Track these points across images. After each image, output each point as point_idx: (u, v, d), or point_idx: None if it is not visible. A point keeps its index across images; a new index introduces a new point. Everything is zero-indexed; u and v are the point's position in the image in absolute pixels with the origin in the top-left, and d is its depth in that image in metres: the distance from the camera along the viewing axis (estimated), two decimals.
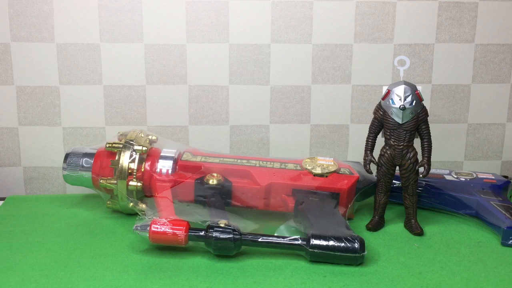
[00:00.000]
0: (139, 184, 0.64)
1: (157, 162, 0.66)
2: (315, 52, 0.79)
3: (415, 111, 0.62)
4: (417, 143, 0.65)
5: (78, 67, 0.78)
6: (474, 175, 0.73)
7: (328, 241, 0.55)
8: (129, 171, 0.64)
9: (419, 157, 0.65)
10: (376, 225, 0.66)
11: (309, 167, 0.67)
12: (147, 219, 0.58)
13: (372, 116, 0.65)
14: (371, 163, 0.65)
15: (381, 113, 0.63)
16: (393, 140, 0.63)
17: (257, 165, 0.68)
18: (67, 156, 0.68)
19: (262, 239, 0.56)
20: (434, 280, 0.53)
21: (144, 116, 0.80)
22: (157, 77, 0.79)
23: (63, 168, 0.68)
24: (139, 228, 0.57)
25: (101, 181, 0.65)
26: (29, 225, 0.65)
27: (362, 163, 0.68)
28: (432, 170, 0.75)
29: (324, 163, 0.68)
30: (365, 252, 0.55)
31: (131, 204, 0.65)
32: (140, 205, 0.64)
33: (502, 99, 0.83)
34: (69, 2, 0.76)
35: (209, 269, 0.54)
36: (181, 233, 0.56)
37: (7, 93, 0.78)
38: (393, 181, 0.68)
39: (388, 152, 0.63)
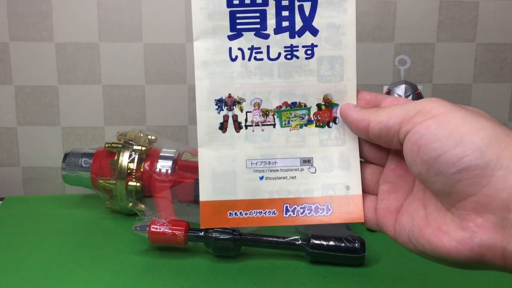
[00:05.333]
0: (138, 184, 0.64)
1: (157, 162, 0.66)
2: None
3: None
4: None
5: (77, 67, 0.78)
6: None
7: (329, 241, 0.55)
8: (128, 171, 0.64)
9: None
10: None
11: None
12: (147, 220, 0.58)
13: None
14: None
15: None
16: None
17: None
18: (66, 156, 0.68)
19: (262, 239, 0.56)
20: (434, 280, 0.52)
21: (143, 116, 0.80)
22: (156, 76, 0.79)
23: (62, 168, 0.68)
24: (138, 228, 0.57)
25: (100, 181, 0.65)
26: (27, 226, 0.65)
27: None
28: None
29: None
30: (366, 253, 0.55)
31: (130, 204, 0.64)
32: (140, 205, 0.64)
33: (503, 99, 0.82)
34: (68, 1, 0.76)
35: (209, 270, 0.54)
36: (180, 233, 0.55)
37: (5, 92, 0.78)
38: None
39: None
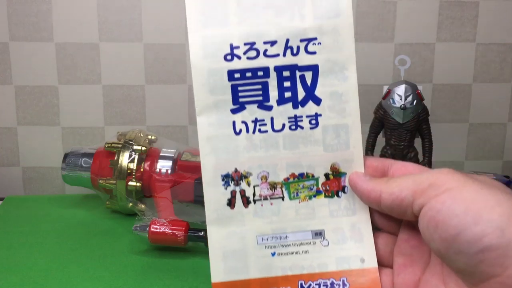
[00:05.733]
0: (138, 184, 0.64)
1: (157, 162, 0.66)
2: None
3: (416, 111, 0.62)
4: (418, 143, 0.65)
5: (77, 67, 0.78)
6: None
7: None
8: (128, 171, 0.64)
9: (420, 157, 0.64)
10: None
11: None
12: (147, 220, 0.58)
13: (373, 116, 0.64)
14: None
15: (381, 112, 0.63)
16: (393, 140, 0.63)
17: None
18: (66, 156, 0.68)
19: None
20: None
21: (143, 115, 0.80)
22: (156, 76, 0.79)
23: (62, 168, 0.68)
24: (138, 228, 0.57)
25: (100, 181, 0.65)
26: (27, 226, 0.65)
27: None
28: None
29: None
30: None
31: (130, 204, 0.64)
32: (139, 205, 0.64)
33: (503, 99, 0.82)
34: (68, 1, 0.76)
35: (209, 270, 0.54)
36: (180, 233, 0.55)
37: (5, 92, 0.78)
38: None
39: (389, 152, 0.63)
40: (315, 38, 0.38)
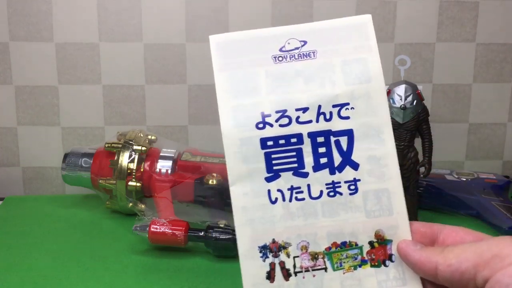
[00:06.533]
0: (138, 184, 0.64)
1: (157, 162, 0.66)
2: None
3: (415, 111, 0.62)
4: (418, 143, 0.65)
5: (77, 67, 0.78)
6: (475, 175, 0.73)
7: None
8: (128, 171, 0.64)
9: (420, 157, 0.64)
10: None
11: None
12: (147, 220, 0.58)
13: None
14: None
15: None
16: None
17: None
18: (66, 156, 0.68)
19: None
20: None
21: (143, 116, 0.80)
22: (156, 76, 0.79)
23: (62, 168, 0.68)
24: (138, 228, 0.57)
25: (100, 181, 0.65)
26: (27, 226, 0.65)
27: None
28: (433, 170, 0.74)
29: None
30: None
31: (130, 204, 0.64)
32: (140, 205, 0.64)
33: (503, 99, 0.82)
34: (68, 1, 0.76)
35: (209, 270, 0.54)
36: (180, 233, 0.55)
37: (5, 92, 0.78)
38: None
39: None
40: (348, 104, 0.37)
